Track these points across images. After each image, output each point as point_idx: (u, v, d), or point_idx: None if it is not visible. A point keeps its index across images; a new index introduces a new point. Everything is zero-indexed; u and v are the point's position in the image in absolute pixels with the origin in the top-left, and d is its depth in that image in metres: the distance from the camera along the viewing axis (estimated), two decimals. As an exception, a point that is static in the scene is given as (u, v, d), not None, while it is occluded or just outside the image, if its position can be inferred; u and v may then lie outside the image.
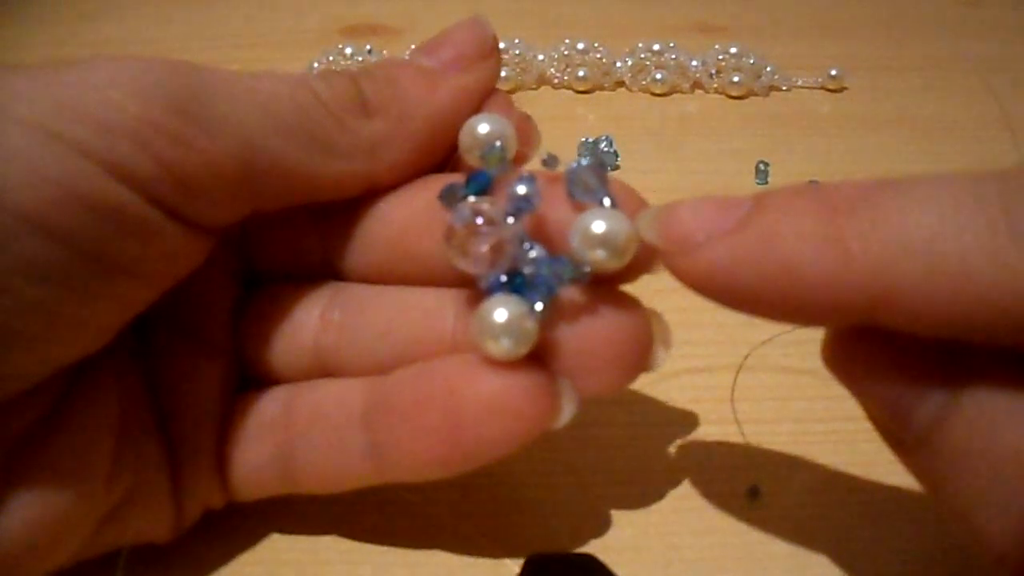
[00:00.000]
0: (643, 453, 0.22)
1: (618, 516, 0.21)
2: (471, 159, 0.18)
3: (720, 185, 0.31)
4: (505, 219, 0.16)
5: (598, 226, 0.16)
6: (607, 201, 0.16)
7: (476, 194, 0.17)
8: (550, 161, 0.17)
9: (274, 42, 0.38)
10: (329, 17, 0.40)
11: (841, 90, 0.36)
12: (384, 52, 0.36)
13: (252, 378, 0.20)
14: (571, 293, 0.17)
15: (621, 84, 0.36)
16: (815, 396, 0.24)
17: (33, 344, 0.15)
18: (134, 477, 0.18)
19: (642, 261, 0.17)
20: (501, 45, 0.35)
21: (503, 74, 0.35)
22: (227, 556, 0.20)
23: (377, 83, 0.18)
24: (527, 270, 0.16)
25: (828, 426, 0.23)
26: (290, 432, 0.18)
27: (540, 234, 0.17)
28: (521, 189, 0.17)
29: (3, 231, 0.14)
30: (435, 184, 0.18)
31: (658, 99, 0.35)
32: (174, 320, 0.19)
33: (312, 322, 0.19)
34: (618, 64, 0.35)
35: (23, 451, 0.16)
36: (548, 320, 0.16)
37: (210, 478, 0.19)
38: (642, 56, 0.35)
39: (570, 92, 0.35)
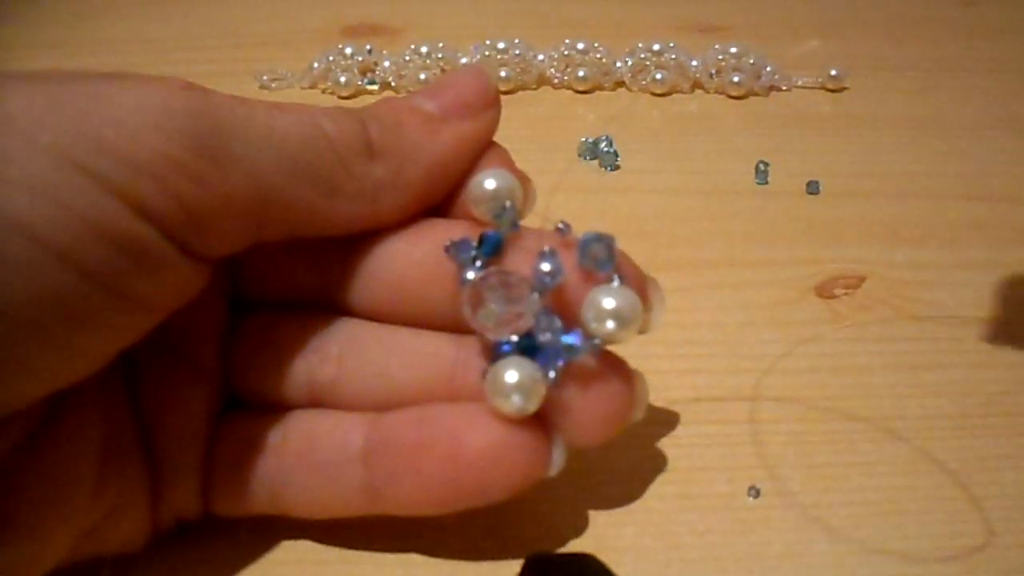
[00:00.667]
0: (643, 453, 0.22)
1: (618, 516, 0.21)
2: (478, 212, 0.19)
3: (720, 185, 0.31)
4: (529, 291, 0.18)
5: (608, 303, 0.17)
6: (616, 279, 0.18)
7: (489, 256, 0.18)
8: (564, 229, 0.19)
9: (274, 42, 0.38)
10: (329, 17, 0.40)
11: (841, 90, 0.36)
12: (384, 52, 0.36)
13: (243, 400, 0.20)
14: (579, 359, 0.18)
15: (621, 84, 0.36)
16: (816, 396, 0.24)
17: (33, 370, 0.15)
18: (116, 497, 0.18)
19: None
20: (500, 45, 0.35)
21: (503, 74, 0.35)
22: (226, 557, 0.20)
23: (382, 126, 0.19)
24: (543, 338, 0.18)
25: (828, 426, 0.23)
26: (283, 459, 0.19)
27: (553, 299, 0.18)
28: (545, 266, 0.18)
29: (28, 262, 0.14)
30: (438, 230, 0.19)
31: (658, 99, 0.35)
32: (162, 340, 0.19)
33: (309, 354, 0.19)
34: (618, 64, 0.35)
35: (5, 471, 0.16)
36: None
37: (191, 496, 0.19)
38: (642, 56, 0.35)
39: (570, 92, 0.35)
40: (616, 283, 0.18)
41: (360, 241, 0.19)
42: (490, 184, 0.19)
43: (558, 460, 0.18)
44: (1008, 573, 0.20)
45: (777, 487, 0.22)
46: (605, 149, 0.32)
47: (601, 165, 0.31)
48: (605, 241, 0.18)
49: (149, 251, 0.15)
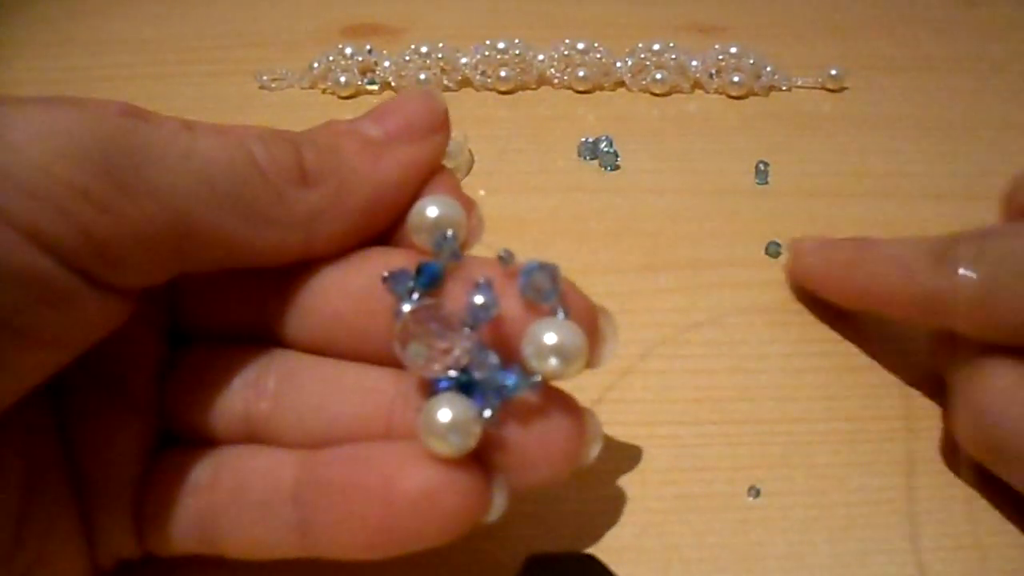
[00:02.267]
0: (643, 453, 0.22)
1: (618, 516, 0.21)
2: (419, 240, 0.18)
3: (720, 185, 0.31)
4: (461, 326, 0.17)
5: (550, 338, 0.16)
6: (560, 313, 0.17)
7: (427, 287, 0.17)
8: (506, 258, 0.17)
9: (274, 42, 0.38)
10: (329, 17, 0.40)
11: (841, 90, 0.36)
12: (384, 52, 0.36)
13: (178, 437, 0.19)
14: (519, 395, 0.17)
15: (621, 84, 0.36)
16: (815, 396, 0.24)
17: None
18: (42, 542, 0.17)
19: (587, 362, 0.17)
20: (500, 45, 0.35)
21: (503, 74, 0.35)
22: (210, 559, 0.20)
23: (319, 151, 0.18)
24: (478, 375, 0.17)
25: (828, 426, 0.23)
26: (215, 497, 0.18)
27: (492, 330, 0.17)
28: (479, 299, 0.17)
29: None
30: (377, 259, 0.18)
31: (658, 99, 0.35)
32: (93, 374, 0.18)
33: (244, 388, 0.18)
34: (618, 64, 0.35)
35: None
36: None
37: (125, 536, 0.18)
38: (642, 56, 0.35)
39: (570, 92, 0.35)
40: (560, 316, 0.17)
41: (297, 271, 0.18)
42: (432, 212, 0.18)
43: (499, 504, 0.17)
44: (1009, 574, 0.20)
45: (777, 487, 0.22)
46: (605, 149, 0.32)
47: (601, 165, 0.31)
48: (548, 270, 0.17)
49: (51, 285, 0.14)
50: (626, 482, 0.22)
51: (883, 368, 0.24)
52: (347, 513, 0.17)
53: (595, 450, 0.18)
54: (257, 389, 0.18)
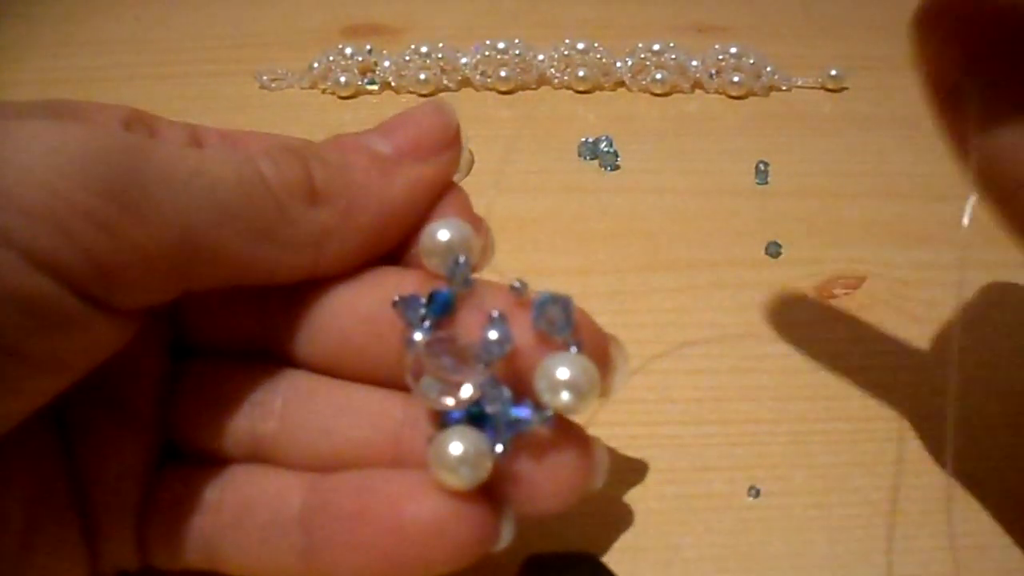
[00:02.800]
0: (643, 453, 0.22)
1: (618, 516, 0.21)
2: (430, 264, 0.18)
3: (720, 185, 0.31)
4: (475, 361, 0.16)
5: (562, 372, 0.16)
6: (573, 348, 0.17)
7: (439, 316, 0.17)
8: (520, 288, 0.17)
9: (274, 42, 0.38)
10: (329, 17, 0.40)
11: (841, 90, 0.36)
12: (384, 52, 0.36)
13: (181, 451, 0.19)
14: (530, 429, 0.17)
15: (621, 84, 0.36)
16: (815, 396, 0.24)
17: None
18: (47, 555, 0.17)
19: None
20: (500, 45, 0.35)
21: (503, 74, 0.35)
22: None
23: (328, 169, 0.17)
24: (490, 409, 0.16)
25: (828, 426, 0.23)
26: (220, 518, 0.18)
27: (505, 362, 0.17)
28: (493, 334, 0.16)
29: None
30: (389, 281, 0.18)
31: (658, 99, 0.35)
32: (95, 389, 0.18)
33: (251, 407, 0.18)
34: (618, 64, 0.35)
35: None
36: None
37: (128, 548, 0.18)
38: (642, 56, 0.35)
39: (570, 92, 0.35)
40: (573, 350, 0.17)
41: (306, 289, 0.18)
42: (443, 235, 0.17)
43: (506, 534, 0.17)
44: (1008, 574, 0.20)
45: (777, 487, 0.22)
46: (605, 149, 0.32)
47: (601, 165, 0.31)
48: (561, 303, 0.17)
49: (53, 308, 0.14)
50: (626, 482, 0.22)
51: (883, 368, 0.24)
52: (354, 541, 0.16)
53: (601, 478, 0.18)
54: (264, 409, 0.18)
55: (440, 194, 0.19)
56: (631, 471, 0.22)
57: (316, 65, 0.35)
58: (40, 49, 0.38)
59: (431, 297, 0.17)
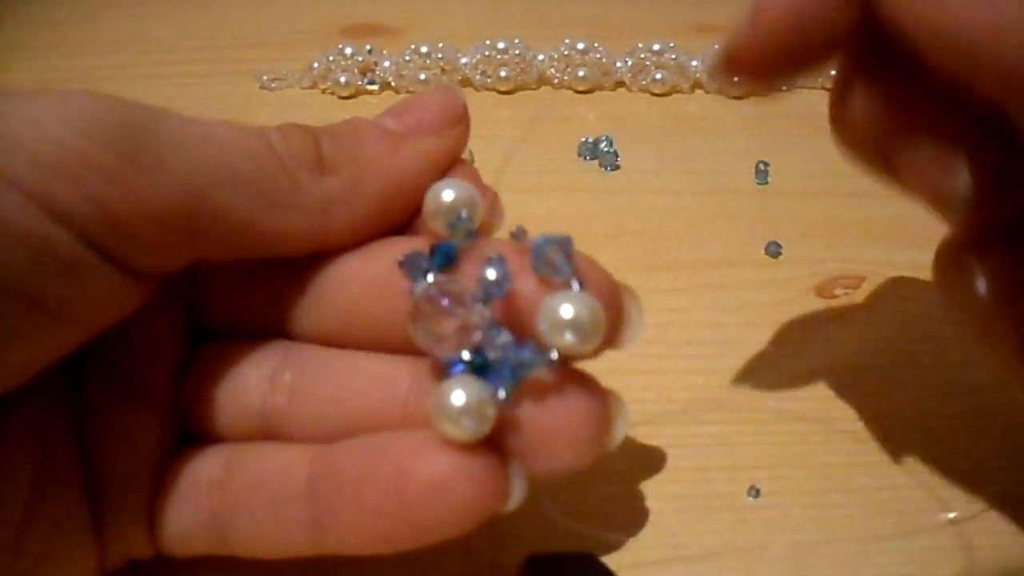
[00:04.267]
0: (643, 453, 0.22)
1: (618, 516, 0.21)
2: (435, 225, 0.17)
3: (720, 185, 0.31)
4: (473, 302, 0.16)
5: (566, 310, 0.15)
6: (575, 284, 0.16)
7: (441, 267, 0.17)
8: (518, 234, 0.17)
9: (274, 42, 0.38)
10: (329, 17, 0.40)
11: (841, 90, 0.36)
12: (384, 52, 0.36)
13: (193, 435, 0.19)
14: (536, 373, 0.16)
15: (621, 84, 0.36)
16: (815, 396, 0.24)
17: None
18: (50, 537, 0.17)
19: (607, 340, 0.17)
20: (500, 45, 0.35)
21: (503, 74, 0.35)
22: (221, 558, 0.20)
23: (337, 141, 0.18)
24: (492, 355, 0.16)
25: (828, 426, 0.23)
26: (227, 496, 0.18)
27: (506, 309, 0.17)
28: (491, 274, 0.16)
29: None
30: (394, 248, 0.18)
31: (658, 99, 0.35)
32: (113, 373, 0.18)
33: (261, 382, 0.18)
34: (618, 64, 0.35)
35: None
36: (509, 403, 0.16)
37: (138, 535, 0.18)
38: (642, 56, 0.35)
39: (570, 92, 0.35)
40: (575, 287, 0.16)
41: (314, 262, 0.18)
42: (447, 195, 0.17)
43: (518, 493, 0.16)
44: (1009, 573, 0.20)
45: (777, 487, 0.22)
46: (605, 149, 0.32)
47: (601, 165, 0.31)
48: (559, 242, 0.16)
49: (64, 255, 0.14)
50: (626, 482, 0.22)
51: (883, 368, 0.24)
52: (360, 505, 0.16)
53: (619, 434, 0.17)
54: (273, 384, 0.18)
55: (448, 168, 0.19)
56: (631, 471, 0.22)
57: (316, 65, 0.35)
58: (40, 49, 0.38)
59: (433, 249, 0.17)
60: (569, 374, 0.17)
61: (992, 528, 0.21)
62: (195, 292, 0.19)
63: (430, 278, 0.16)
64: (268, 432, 0.18)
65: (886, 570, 0.20)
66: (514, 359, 0.16)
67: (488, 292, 0.16)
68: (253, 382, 0.18)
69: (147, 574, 0.19)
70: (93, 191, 0.15)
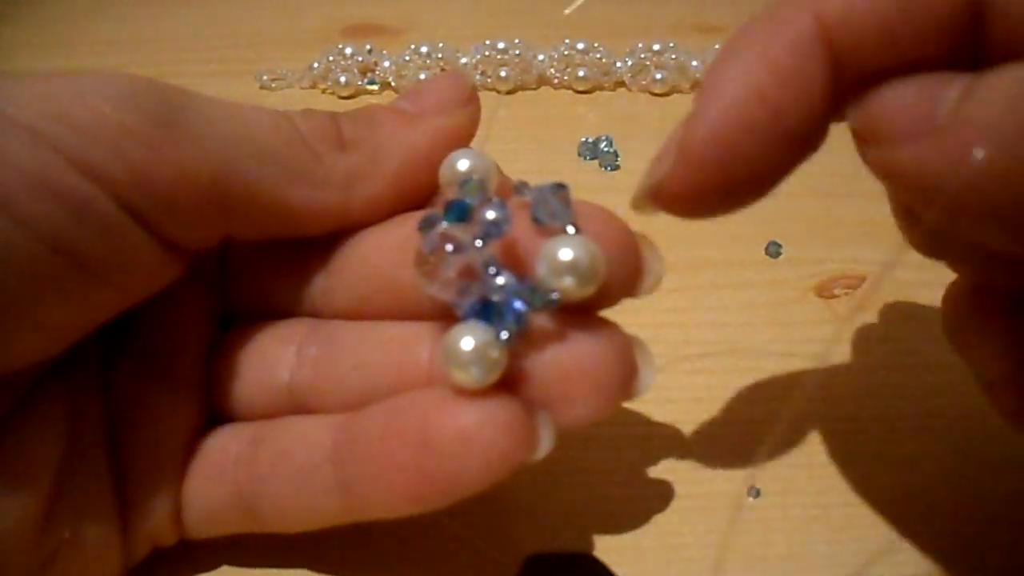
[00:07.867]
0: (643, 453, 0.22)
1: (618, 516, 0.21)
2: (450, 194, 0.18)
3: (720, 185, 0.31)
4: (474, 244, 0.16)
5: (564, 253, 0.16)
6: (571, 228, 0.16)
7: (454, 223, 0.17)
8: (520, 188, 0.17)
9: (274, 42, 0.38)
10: (329, 17, 0.40)
11: (841, 90, 0.36)
12: (384, 52, 0.36)
13: (220, 417, 0.19)
14: (545, 321, 0.16)
15: (621, 84, 0.36)
16: (815, 396, 0.24)
17: None
18: (75, 520, 0.17)
19: (620, 285, 0.17)
20: (500, 45, 0.35)
21: (503, 74, 0.35)
22: (221, 557, 0.20)
23: (355, 122, 0.19)
24: (496, 297, 0.16)
25: (828, 426, 0.23)
26: (254, 471, 0.18)
27: (511, 260, 0.17)
28: (491, 214, 0.16)
29: None
30: (413, 220, 0.18)
31: (658, 99, 0.35)
32: (144, 357, 0.19)
33: (288, 359, 0.19)
34: (618, 64, 0.35)
35: None
36: (521, 349, 0.16)
37: (164, 518, 0.18)
38: (642, 56, 0.35)
39: (570, 92, 0.35)
40: (571, 230, 0.16)
41: (338, 240, 0.19)
42: (462, 164, 0.18)
43: (546, 440, 0.16)
44: (1010, 573, 0.20)
45: (777, 487, 0.22)
46: (605, 149, 0.32)
47: (601, 165, 0.31)
48: (556, 189, 0.16)
49: (98, 214, 0.15)
50: (626, 482, 0.22)
51: (883, 368, 0.24)
52: (387, 463, 0.16)
53: (647, 379, 0.17)
54: (300, 359, 0.19)
55: (461, 145, 0.19)
56: (631, 471, 0.22)
57: (316, 65, 0.36)
58: (39, 49, 0.38)
59: (447, 206, 0.17)
60: (577, 320, 0.16)
61: (994, 529, 0.21)
62: (224, 276, 0.20)
63: (440, 229, 0.17)
64: (295, 408, 0.19)
65: (886, 570, 0.20)
66: (516, 298, 0.16)
67: (487, 232, 0.16)
68: (280, 359, 0.19)
69: (169, 565, 0.19)
70: (130, 157, 0.15)
